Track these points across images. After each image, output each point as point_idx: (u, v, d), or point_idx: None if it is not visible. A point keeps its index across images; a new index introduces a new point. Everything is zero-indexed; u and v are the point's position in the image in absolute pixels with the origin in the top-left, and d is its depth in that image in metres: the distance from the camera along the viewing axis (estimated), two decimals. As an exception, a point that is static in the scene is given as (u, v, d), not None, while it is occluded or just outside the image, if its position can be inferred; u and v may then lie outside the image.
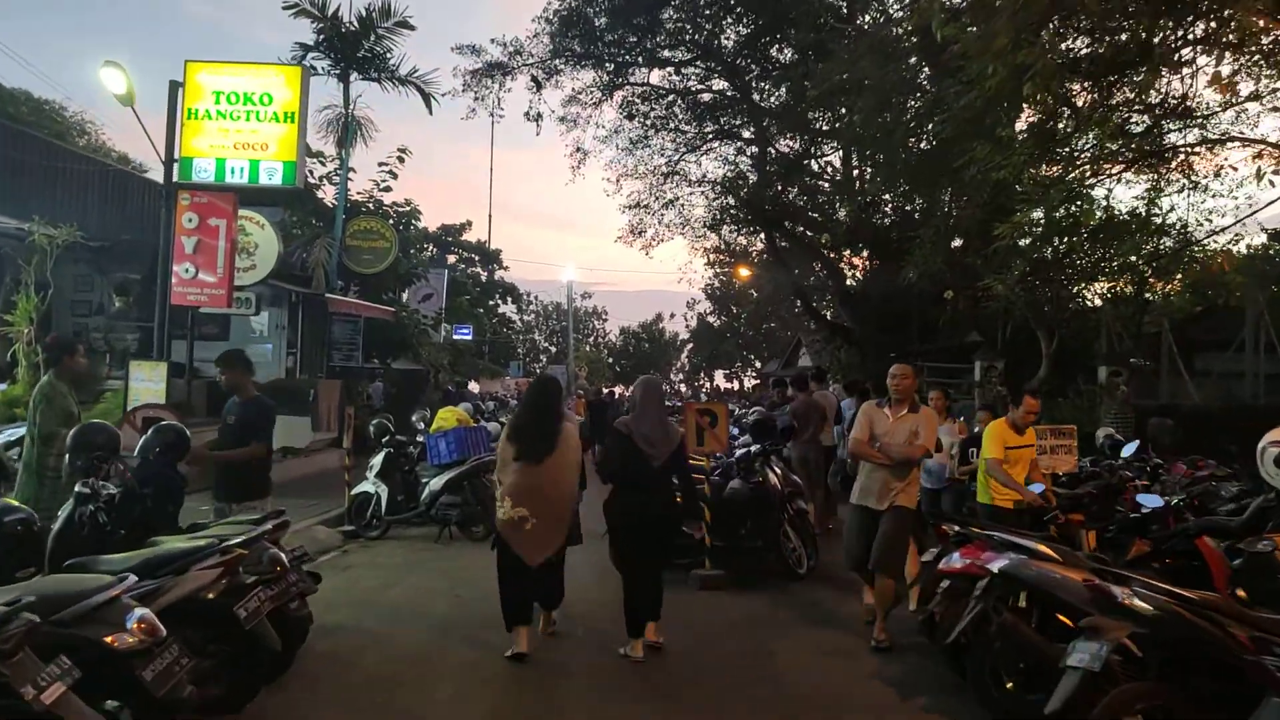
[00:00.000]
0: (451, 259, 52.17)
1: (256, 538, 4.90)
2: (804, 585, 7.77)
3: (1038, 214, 14.50)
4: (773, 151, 23.42)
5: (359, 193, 18.08)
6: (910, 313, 19.57)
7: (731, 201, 24.00)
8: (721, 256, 30.29)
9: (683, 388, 62.64)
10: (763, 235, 25.02)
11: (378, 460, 10.11)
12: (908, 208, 20.73)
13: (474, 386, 38.17)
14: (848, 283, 22.14)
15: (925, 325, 19.41)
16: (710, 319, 54.24)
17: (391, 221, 18.21)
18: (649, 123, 25.09)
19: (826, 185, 23.41)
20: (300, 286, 15.93)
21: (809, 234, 22.04)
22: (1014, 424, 6.51)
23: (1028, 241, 14.40)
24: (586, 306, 68.73)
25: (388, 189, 18.24)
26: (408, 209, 19.10)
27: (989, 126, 10.74)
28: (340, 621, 6.54)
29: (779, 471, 8.13)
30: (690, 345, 60.97)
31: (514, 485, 5.70)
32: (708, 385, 58.44)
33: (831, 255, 21.19)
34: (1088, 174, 13.07)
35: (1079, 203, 13.35)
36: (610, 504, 5.85)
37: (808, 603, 7.23)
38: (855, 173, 22.32)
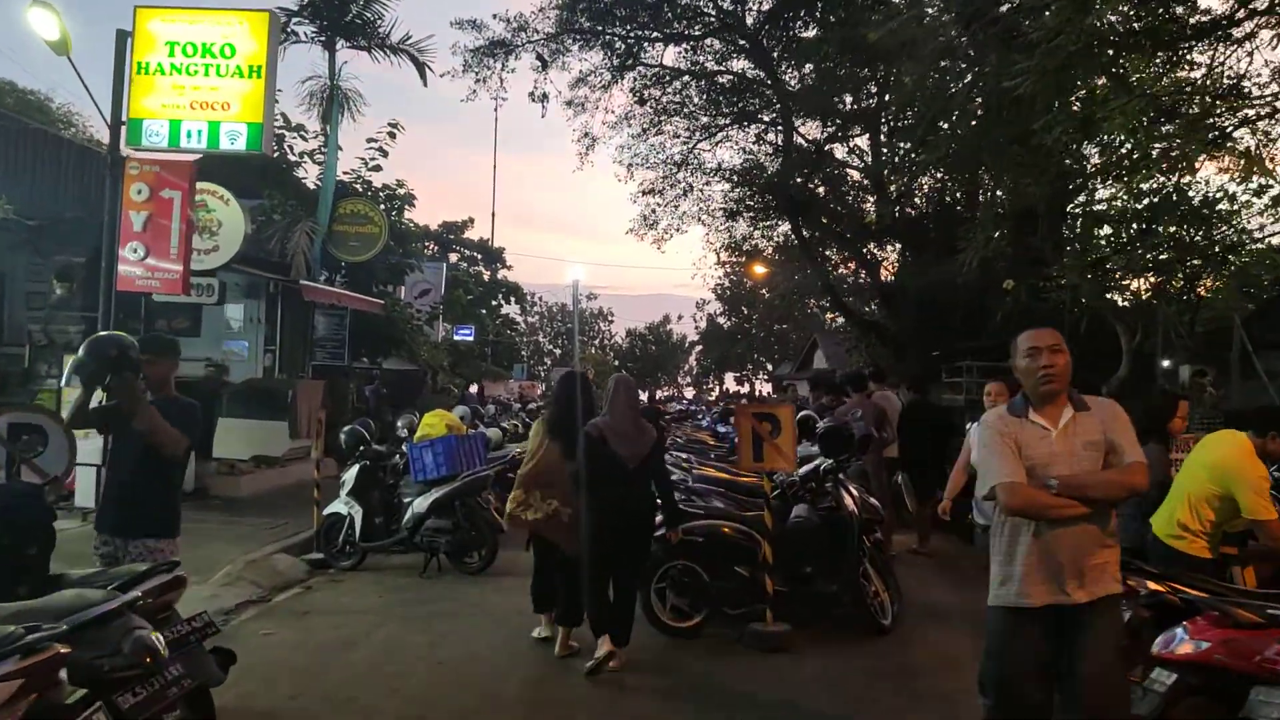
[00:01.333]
0: (453, 258, 50.63)
1: (109, 615, 3.14)
2: (893, 643, 5.97)
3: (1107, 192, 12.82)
4: (796, 137, 21.71)
5: (345, 173, 16.31)
6: (954, 306, 17.78)
7: (749, 191, 22.32)
8: (734, 256, 28.63)
9: (689, 392, 60.84)
10: (787, 226, 23.32)
11: (350, 475, 8.36)
12: (946, 188, 19.06)
13: (474, 388, 36.50)
14: (881, 276, 20.37)
15: (970, 321, 17.64)
16: (720, 320, 52.41)
17: (383, 208, 16.47)
18: (661, 107, 23.41)
19: (856, 174, 21.68)
20: (278, 275, 14.20)
21: (836, 226, 20.29)
22: (1264, 454, 4.42)
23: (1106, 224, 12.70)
24: (592, 308, 67.07)
25: (377, 168, 16.46)
26: (401, 194, 17.31)
27: (1102, 64, 8.96)
28: (276, 704, 4.78)
29: (855, 493, 6.36)
30: (699, 348, 59.12)
31: (549, 479, 5.65)
32: (717, 389, 56.61)
33: (861, 247, 19.40)
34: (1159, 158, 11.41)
35: (1172, 177, 11.64)
36: (586, 505, 5.47)
37: (906, 670, 5.45)
38: (885, 156, 20.62)
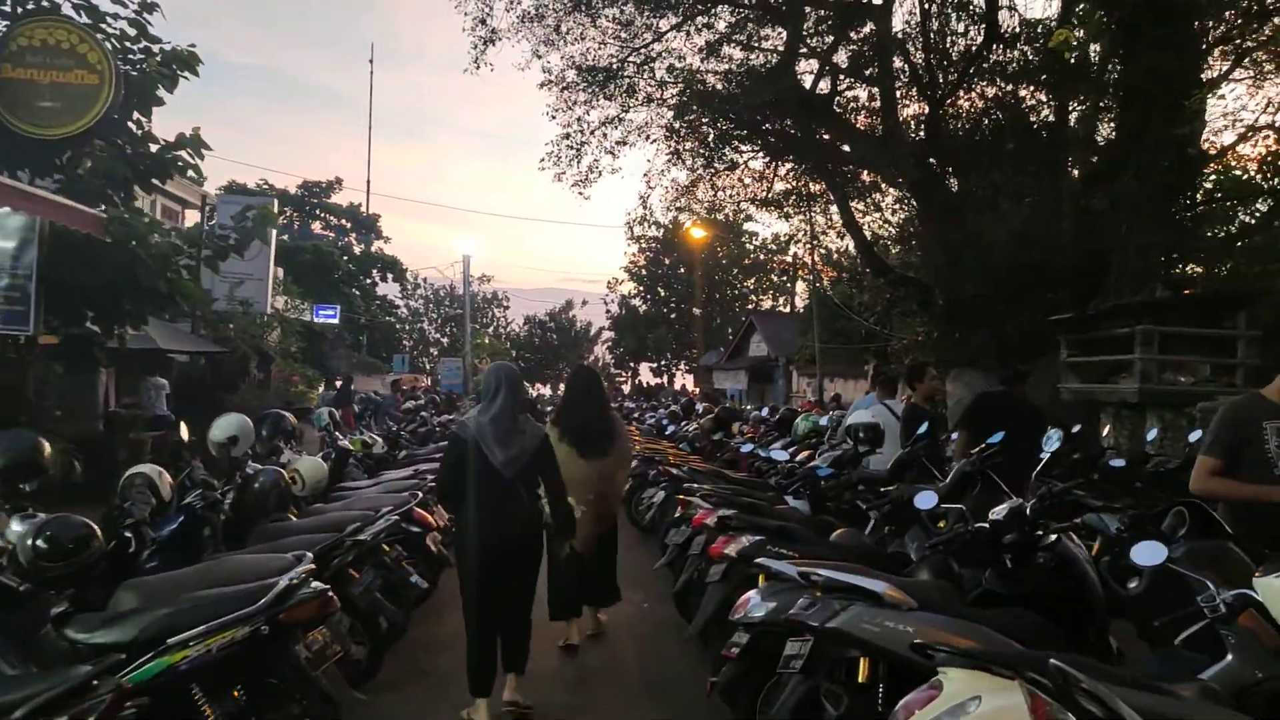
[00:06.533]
0: (316, 226, 42.32)
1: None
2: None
3: None
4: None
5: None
6: (1052, 264, 11.50)
7: (704, 113, 15.61)
8: (678, 202, 21.90)
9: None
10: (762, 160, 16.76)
11: None
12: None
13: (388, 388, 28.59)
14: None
15: (1078, 284, 11.49)
16: (635, 302, 45.70)
17: (125, 55, 8.72)
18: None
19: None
20: None
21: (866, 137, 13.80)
22: None
23: None
24: (485, 291, 59.25)
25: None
26: (165, 45, 9.37)
27: None
28: None
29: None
30: (610, 335, 52.13)
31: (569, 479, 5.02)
32: (629, 382, 49.90)
33: (934, 166, 12.92)
34: None
35: None
36: (456, 533, 4.81)
37: None
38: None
